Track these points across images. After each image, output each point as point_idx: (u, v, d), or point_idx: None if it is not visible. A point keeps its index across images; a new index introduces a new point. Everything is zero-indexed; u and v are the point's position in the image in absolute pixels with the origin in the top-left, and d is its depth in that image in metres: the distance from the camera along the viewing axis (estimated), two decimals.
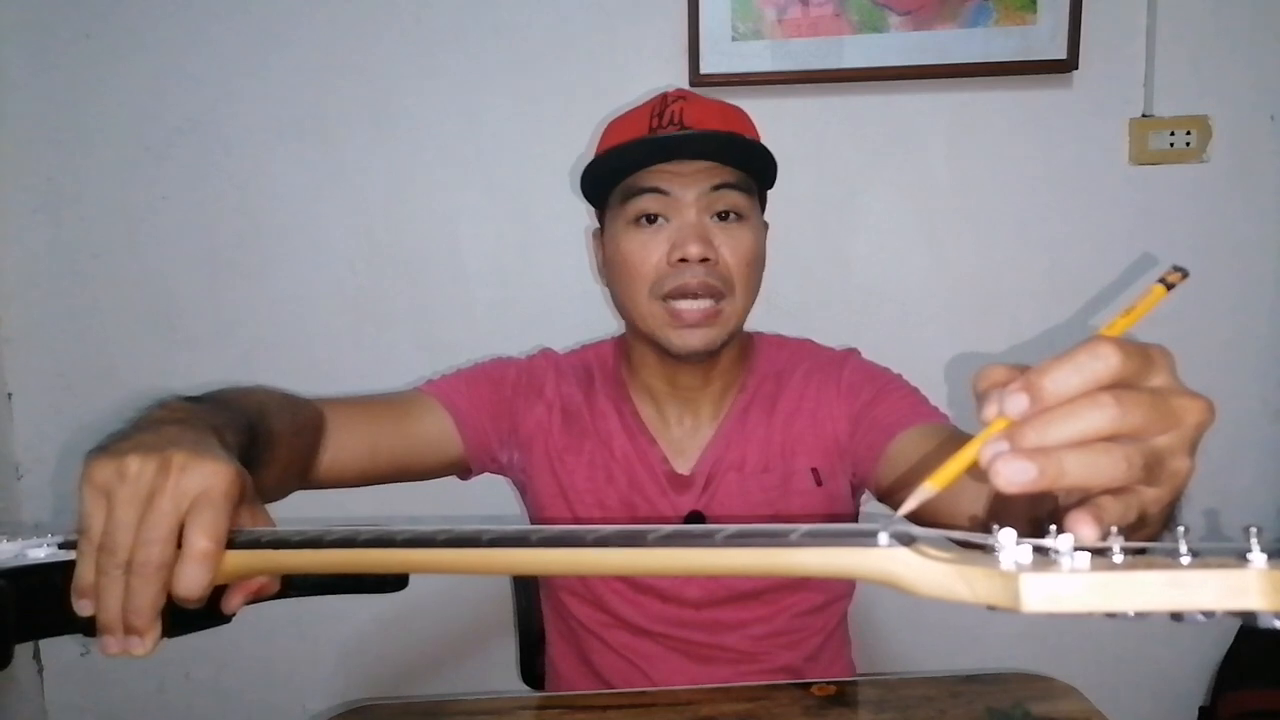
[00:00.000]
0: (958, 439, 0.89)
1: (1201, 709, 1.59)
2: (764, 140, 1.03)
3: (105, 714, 1.64)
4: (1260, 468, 1.55)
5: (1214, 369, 1.52)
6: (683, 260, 0.91)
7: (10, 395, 1.57)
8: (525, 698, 1.01)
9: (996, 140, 1.49)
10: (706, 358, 0.98)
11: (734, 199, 0.93)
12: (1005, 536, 0.35)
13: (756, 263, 0.96)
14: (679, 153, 0.92)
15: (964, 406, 1.57)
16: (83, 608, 0.49)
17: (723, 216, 0.93)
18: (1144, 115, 1.47)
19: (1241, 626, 1.54)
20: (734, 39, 1.43)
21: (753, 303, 0.99)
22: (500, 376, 1.06)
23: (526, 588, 1.27)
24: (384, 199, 1.53)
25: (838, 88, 1.47)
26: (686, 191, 0.92)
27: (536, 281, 1.53)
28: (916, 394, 1.00)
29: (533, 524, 1.15)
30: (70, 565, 0.51)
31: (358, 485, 0.94)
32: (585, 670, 1.06)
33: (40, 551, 0.55)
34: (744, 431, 1.01)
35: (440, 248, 1.54)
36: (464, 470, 1.05)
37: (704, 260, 0.91)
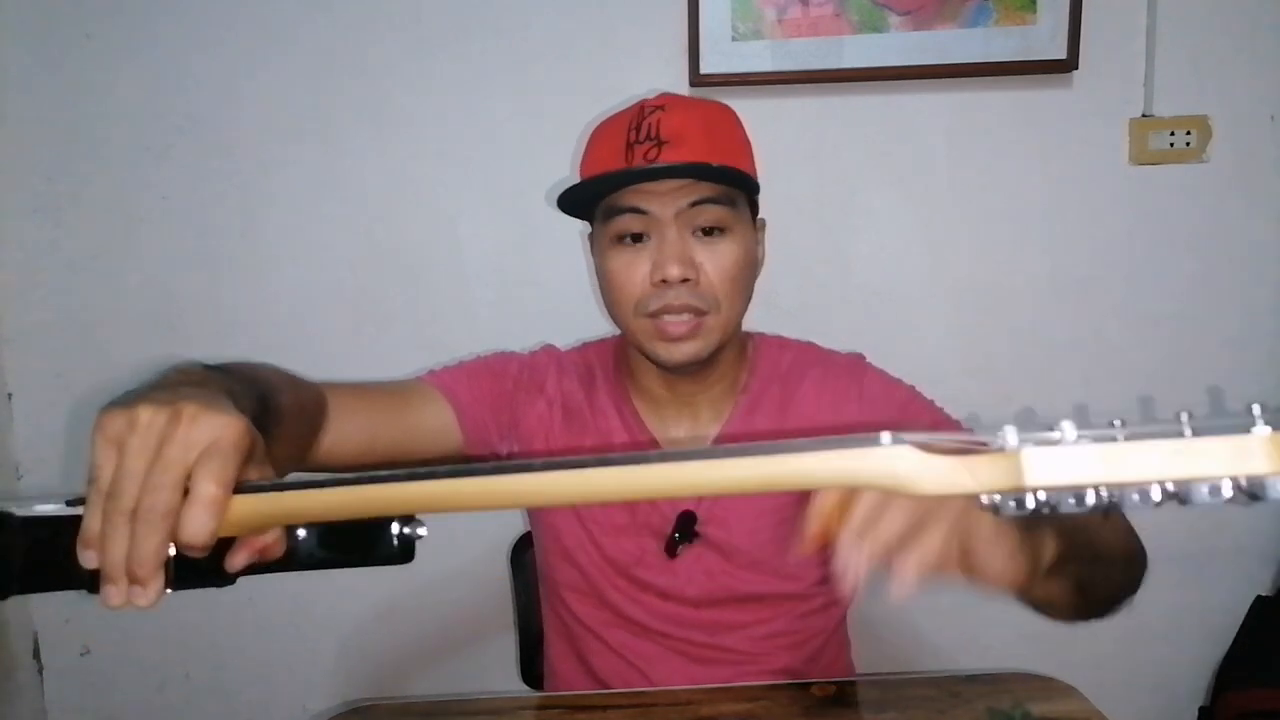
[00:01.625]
0: None
1: (1201, 709, 1.59)
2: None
3: (105, 714, 1.64)
4: None
5: (1215, 369, 1.52)
6: (664, 281, 0.90)
7: (10, 395, 1.57)
8: (525, 698, 1.01)
9: (996, 140, 1.49)
10: (698, 367, 0.97)
11: (714, 213, 0.92)
12: (1009, 432, 0.35)
13: (742, 274, 0.95)
14: (651, 176, 0.91)
15: (962, 407, 1.56)
16: (88, 559, 0.49)
17: (706, 232, 0.92)
18: (1144, 115, 1.47)
19: (1241, 627, 1.54)
20: (734, 39, 1.43)
21: (743, 310, 0.98)
22: (502, 370, 1.06)
23: (527, 587, 1.27)
24: (384, 199, 1.52)
25: (838, 88, 1.47)
26: (665, 209, 0.91)
27: (536, 281, 1.53)
28: (940, 413, 1.02)
29: (532, 521, 1.15)
30: (77, 521, 0.50)
31: (355, 470, 0.94)
32: (583, 671, 1.06)
33: (48, 506, 0.54)
34: (751, 433, 1.01)
35: (440, 248, 1.54)
36: (462, 462, 1.05)
37: (685, 280, 0.90)
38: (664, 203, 0.91)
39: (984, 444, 0.36)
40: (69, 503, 0.54)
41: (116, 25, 1.48)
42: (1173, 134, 1.46)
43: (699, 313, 0.92)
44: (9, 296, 1.55)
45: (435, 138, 1.51)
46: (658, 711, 0.87)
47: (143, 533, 0.48)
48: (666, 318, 0.91)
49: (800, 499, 1.00)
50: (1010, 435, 0.35)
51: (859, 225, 1.52)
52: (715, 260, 0.92)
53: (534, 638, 1.24)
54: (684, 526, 0.99)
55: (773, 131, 1.48)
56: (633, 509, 1.00)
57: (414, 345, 1.53)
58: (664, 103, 0.95)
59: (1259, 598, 1.54)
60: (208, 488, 0.48)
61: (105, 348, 1.55)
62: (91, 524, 0.49)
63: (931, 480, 0.36)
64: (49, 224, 1.53)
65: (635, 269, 0.92)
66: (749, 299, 0.99)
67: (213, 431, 0.50)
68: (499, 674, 1.49)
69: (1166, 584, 1.58)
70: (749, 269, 0.97)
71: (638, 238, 0.93)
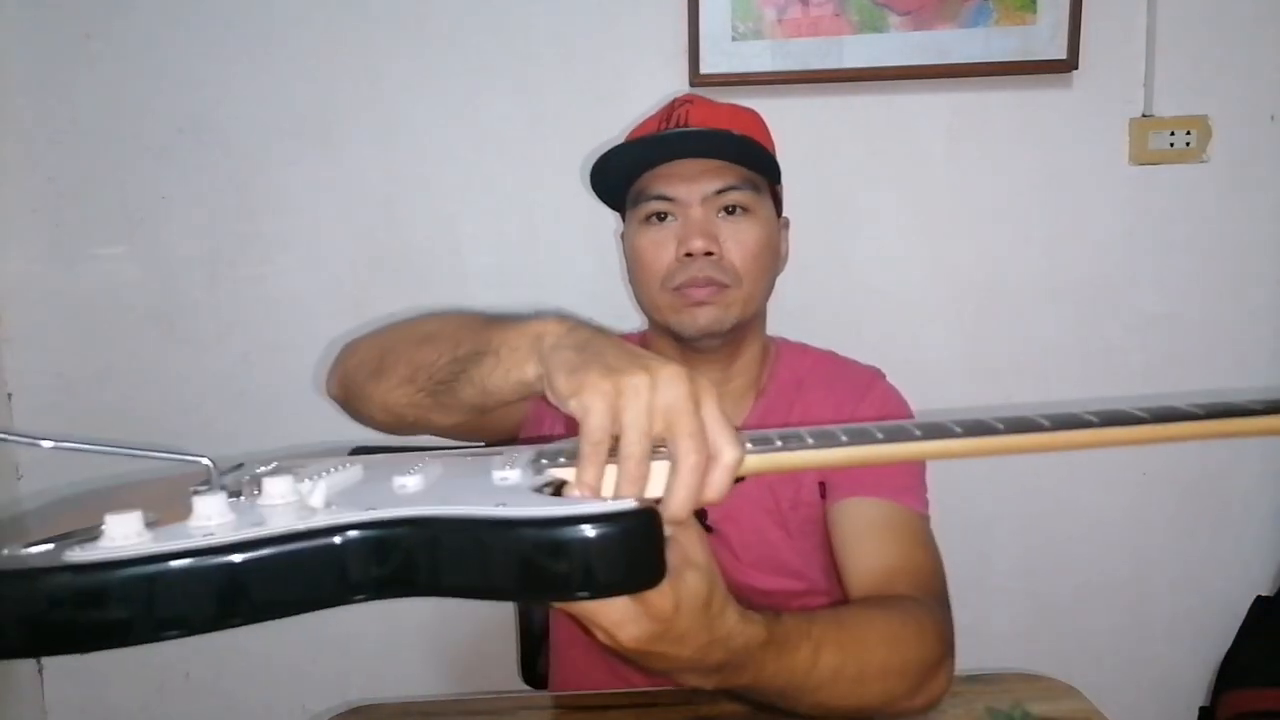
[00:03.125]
0: (895, 529, 0.92)
1: (1201, 709, 1.59)
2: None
3: (105, 714, 1.64)
4: (1261, 468, 1.55)
5: (1214, 369, 1.52)
6: (689, 254, 0.95)
7: (10, 395, 1.57)
8: (526, 697, 1.01)
9: (996, 140, 1.49)
10: (720, 346, 1.00)
11: (737, 198, 0.96)
12: None
13: (763, 254, 0.98)
14: (676, 151, 0.95)
15: (962, 407, 1.56)
16: None
17: (729, 211, 0.97)
18: (1144, 115, 1.47)
19: (1241, 627, 1.54)
20: (734, 39, 1.43)
21: (764, 294, 1.01)
22: None
23: None
24: (384, 199, 1.52)
25: (838, 88, 1.47)
26: (691, 194, 0.95)
27: (537, 282, 1.53)
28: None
29: None
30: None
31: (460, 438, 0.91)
32: (604, 666, 1.06)
33: (533, 477, 0.53)
34: None
35: (440, 248, 1.54)
36: (512, 438, 1.07)
37: (709, 254, 0.94)
38: (690, 189, 0.95)
39: None
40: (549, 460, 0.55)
41: (116, 25, 1.48)
42: (1173, 134, 1.46)
43: (721, 285, 0.95)
44: (9, 296, 1.55)
45: (435, 138, 1.51)
46: (658, 711, 0.87)
47: (692, 482, 0.52)
48: (685, 293, 0.96)
49: (793, 507, 1.00)
50: None
51: (859, 225, 1.52)
52: (738, 237, 0.96)
53: (536, 638, 1.24)
54: (697, 520, 1.00)
55: (773, 131, 1.48)
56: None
57: None
58: (693, 98, 1.02)
59: (1259, 598, 1.54)
60: (734, 452, 0.52)
61: (105, 348, 1.55)
62: (590, 476, 0.52)
63: None
64: (49, 224, 1.53)
65: (662, 246, 0.96)
66: (770, 285, 1.02)
67: (697, 388, 0.53)
68: (499, 674, 1.50)
69: (1166, 584, 1.58)
70: (770, 251, 1.00)
71: (664, 217, 0.97)
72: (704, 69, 1.44)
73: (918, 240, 1.52)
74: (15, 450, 1.58)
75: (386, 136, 1.51)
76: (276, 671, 1.61)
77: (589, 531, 0.45)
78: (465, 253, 1.54)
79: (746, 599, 0.99)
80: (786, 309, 1.50)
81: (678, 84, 1.45)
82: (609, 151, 0.98)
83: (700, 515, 0.99)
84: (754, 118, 1.04)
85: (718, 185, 0.95)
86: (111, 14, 1.48)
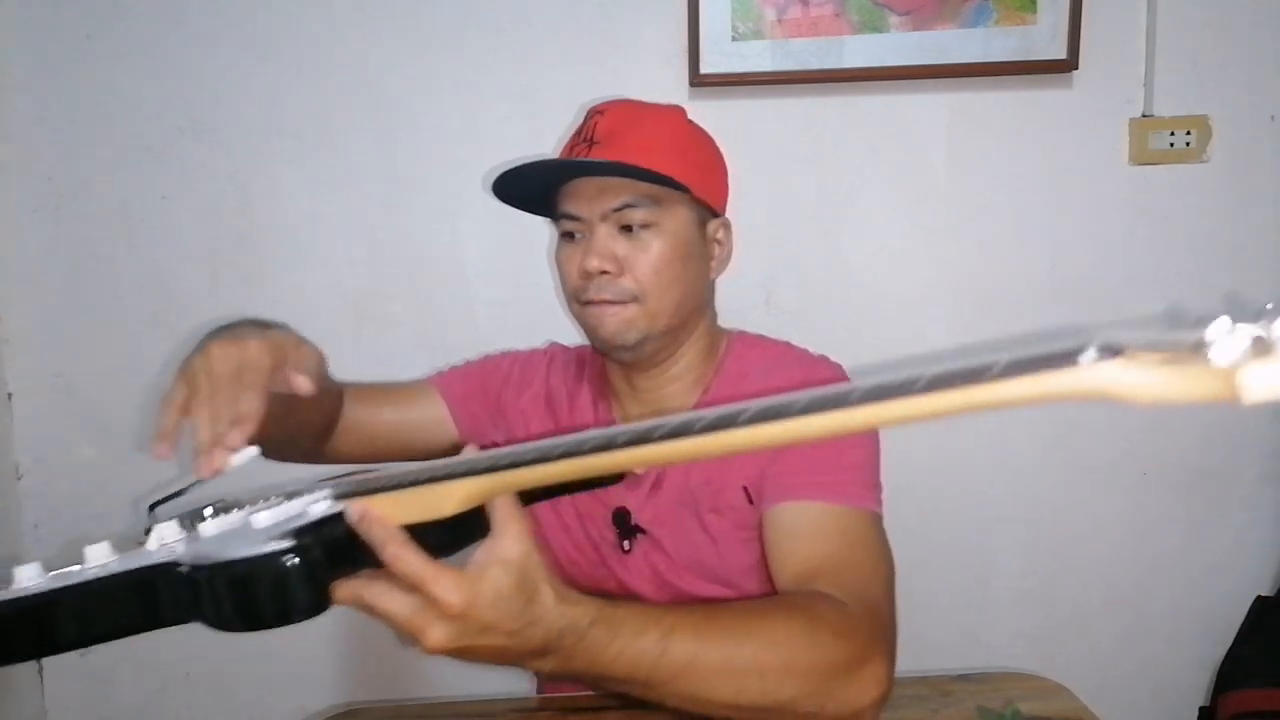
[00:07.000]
0: (824, 529, 0.89)
1: (1201, 709, 1.59)
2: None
3: (105, 714, 1.64)
4: (1260, 468, 1.55)
5: None
6: (588, 273, 0.96)
7: (10, 395, 1.57)
8: (519, 700, 1.02)
9: (996, 140, 1.49)
10: (642, 356, 0.99)
11: (637, 215, 0.95)
12: (1218, 327, 0.34)
13: (669, 267, 0.96)
14: (575, 171, 0.97)
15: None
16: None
17: (637, 227, 0.96)
18: (1144, 115, 1.47)
19: (1241, 627, 1.54)
20: (734, 39, 1.43)
21: (676, 302, 0.97)
22: (495, 368, 1.15)
23: None
24: (384, 199, 1.53)
25: (838, 88, 1.47)
26: (592, 212, 0.96)
27: (536, 281, 1.53)
28: (835, 452, 0.93)
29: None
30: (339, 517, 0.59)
31: (366, 462, 1.01)
32: None
33: (320, 506, 0.61)
34: None
35: (440, 248, 1.54)
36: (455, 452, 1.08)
37: (605, 272, 0.95)
38: (590, 207, 0.96)
39: (1190, 344, 0.36)
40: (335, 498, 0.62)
41: (116, 25, 1.49)
42: (1173, 134, 1.46)
43: (622, 303, 0.96)
44: (9, 296, 1.55)
45: (435, 138, 1.51)
46: (656, 712, 0.87)
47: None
48: (592, 307, 0.97)
49: (715, 511, 0.99)
50: (1220, 332, 0.34)
51: (859, 225, 1.52)
52: (638, 254, 0.96)
53: None
54: (621, 522, 1.02)
55: (773, 131, 1.48)
56: (581, 504, 1.04)
57: (414, 345, 1.54)
58: (606, 108, 1.01)
59: (1259, 598, 1.54)
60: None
61: (105, 348, 1.55)
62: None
63: (1143, 393, 0.36)
64: (49, 224, 1.53)
65: (573, 261, 0.98)
66: (691, 291, 0.99)
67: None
68: (500, 674, 1.50)
69: (1166, 584, 1.58)
70: (679, 261, 0.97)
71: (575, 234, 0.99)
72: (704, 69, 1.44)
73: (918, 240, 1.52)
74: (15, 450, 1.58)
75: (386, 136, 1.51)
76: (276, 671, 1.62)
77: (230, 574, 0.55)
78: (465, 253, 1.54)
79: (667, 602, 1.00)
80: (786, 309, 1.51)
81: (678, 84, 1.45)
82: (506, 175, 0.98)
83: (626, 515, 1.00)
84: (668, 122, 1.01)
85: (615, 203, 0.95)
86: (111, 14, 1.48)
